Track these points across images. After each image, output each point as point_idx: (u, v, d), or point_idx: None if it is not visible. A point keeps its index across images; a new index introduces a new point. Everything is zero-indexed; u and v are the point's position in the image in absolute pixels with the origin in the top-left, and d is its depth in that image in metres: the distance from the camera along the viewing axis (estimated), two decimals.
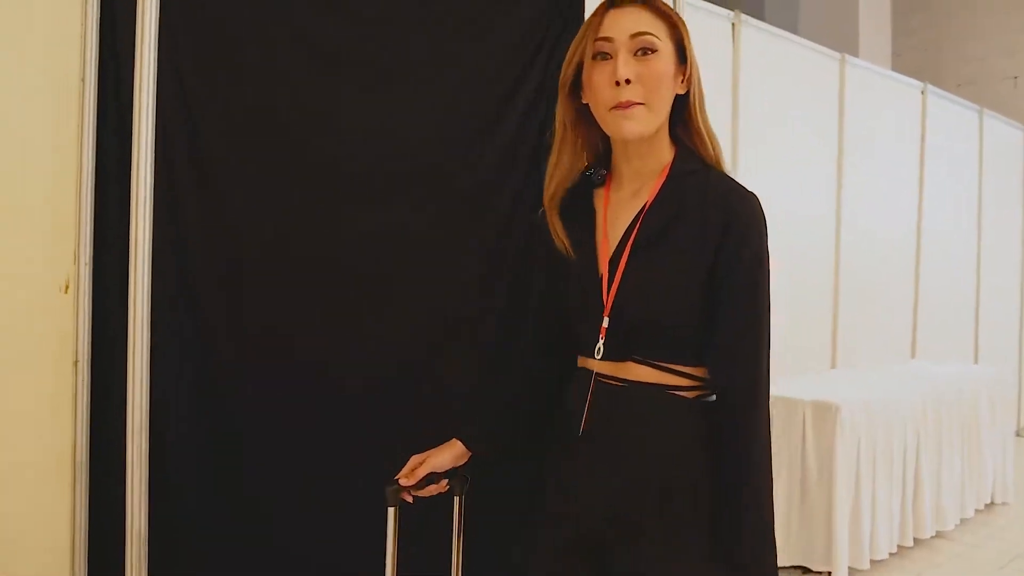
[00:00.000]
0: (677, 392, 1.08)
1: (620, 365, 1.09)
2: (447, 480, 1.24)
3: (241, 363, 1.62)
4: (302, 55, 1.66)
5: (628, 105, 1.05)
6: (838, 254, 3.56)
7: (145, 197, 1.46)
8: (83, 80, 1.58)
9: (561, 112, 1.14)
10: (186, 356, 1.58)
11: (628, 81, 1.04)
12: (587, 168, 1.17)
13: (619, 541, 1.08)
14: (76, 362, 1.54)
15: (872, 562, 2.79)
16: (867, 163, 3.72)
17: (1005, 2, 5.96)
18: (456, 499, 1.27)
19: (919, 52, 6.17)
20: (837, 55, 3.58)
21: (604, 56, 1.07)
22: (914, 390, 3.11)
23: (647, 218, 1.09)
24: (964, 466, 3.34)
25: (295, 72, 1.65)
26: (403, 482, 1.20)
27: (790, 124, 3.35)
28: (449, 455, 1.22)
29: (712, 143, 1.12)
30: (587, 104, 1.11)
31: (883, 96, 3.86)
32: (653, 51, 1.06)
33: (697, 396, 1.09)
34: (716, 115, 3.37)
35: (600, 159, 1.17)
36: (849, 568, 2.67)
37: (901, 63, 5.86)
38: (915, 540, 3.03)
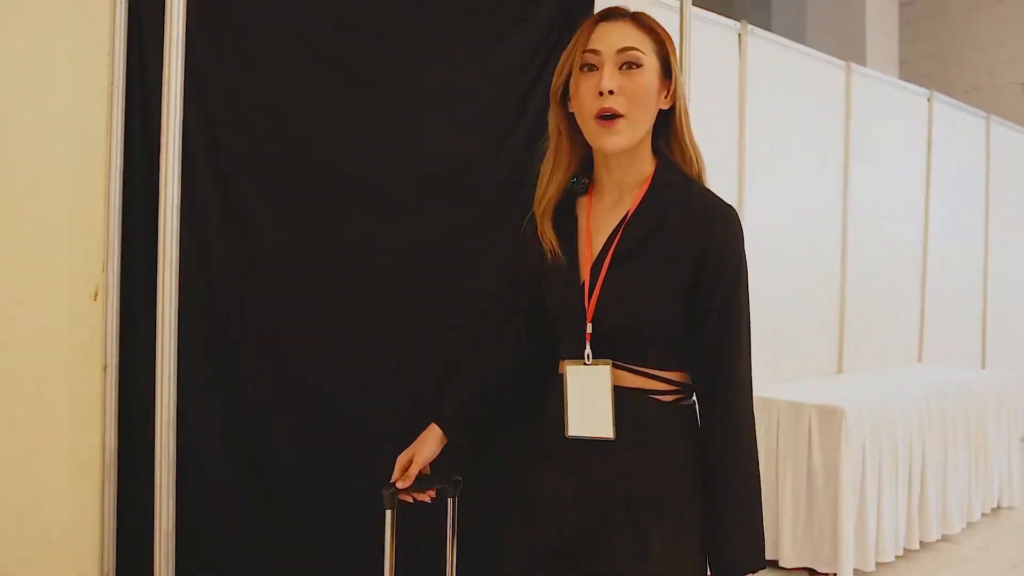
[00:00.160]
0: (657, 397, 1.12)
1: None
2: (438, 487, 1.27)
3: (263, 367, 1.68)
4: (322, 70, 1.72)
5: (611, 116, 1.08)
6: (844, 260, 3.59)
7: (172, 208, 1.52)
8: (110, 97, 1.64)
9: (554, 120, 1.18)
10: (209, 360, 1.64)
11: (612, 92, 1.08)
12: (571, 177, 1.20)
13: (595, 544, 1.11)
14: (105, 366, 1.60)
15: (878, 564, 2.82)
16: (874, 170, 3.75)
17: (1013, 10, 5.97)
18: (449, 501, 1.30)
19: (927, 59, 6.19)
20: (843, 64, 3.61)
21: (591, 68, 1.11)
22: (919, 394, 3.14)
23: (628, 229, 1.12)
24: (970, 470, 3.36)
25: (316, 88, 1.71)
26: (400, 484, 1.23)
27: (797, 132, 3.38)
28: (433, 442, 1.24)
29: (695, 157, 1.16)
30: (574, 113, 1.15)
31: (889, 104, 3.89)
32: (638, 66, 1.10)
33: (676, 400, 1.13)
34: (723, 124, 3.41)
35: (583, 168, 1.20)
36: (855, 570, 2.71)
37: (909, 70, 5.88)
38: (921, 543, 3.06)
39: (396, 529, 1.26)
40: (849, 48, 5.17)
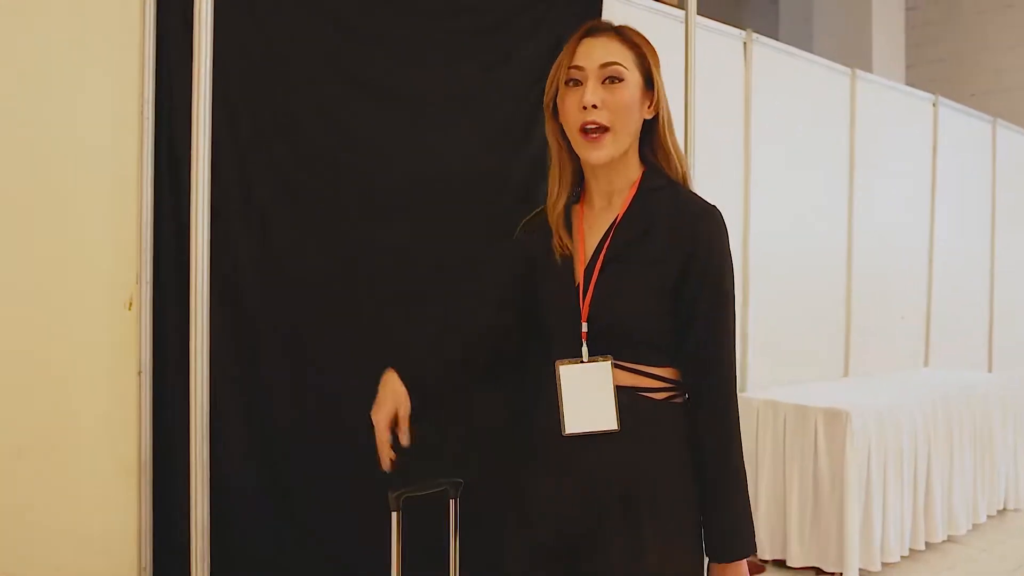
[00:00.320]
0: (648, 394, 1.17)
1: None
2: (439, 488, 1.31)
3: (284, 368, 1.76)
4: (343, 84, 1.81)
5: (595, 129, 1.14)
6: (850, 265, 3.63)
7: (202, 224, 1.59)
8: (141, 114, 1.72)
9: (550, 132, 1.23)
10: (235, 361, 1.72)
11: (595, 106, 1.14)
12: (579, 183, 1.26)
13: (593, 544, 1.15)
14: (139, 372, 1.68)
15: (884, 564, 2.87)
16: (879, 174, 3.78)
17: (1022, 14, 5.99)
18: (451, 502, 1.36)
19: (934, 63, 6.21)
20: (848, 70, 3.66)
21: (576, 82, 1.17)
22: (925, 397, 3.18)
23: (617, 232, 1.18)
24: (976, 472, 3.40)
25: (337, 101, 1.80)
26: (402, 442, 1.22)
27: (802, 138, 3.43)
28: (396, 384, 1.24)
29: (679, 162, 1.22)
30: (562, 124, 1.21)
31: (894, 109, 3.93)
32: (620, 80, 1.15)
33: (668, 397, 1.18)
34: (729, 131, 3.45)
35: (576, 176, 1.26)
36: (860, 570, 2.76)
37: (915, 74, 5.91)
38: (927, 544, 3.10)
39: (398, 532, 1.31)
40: (855, 53, 5.22)
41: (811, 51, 4.83)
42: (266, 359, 1.76)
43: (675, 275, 1.15)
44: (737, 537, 1.15)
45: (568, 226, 1.23)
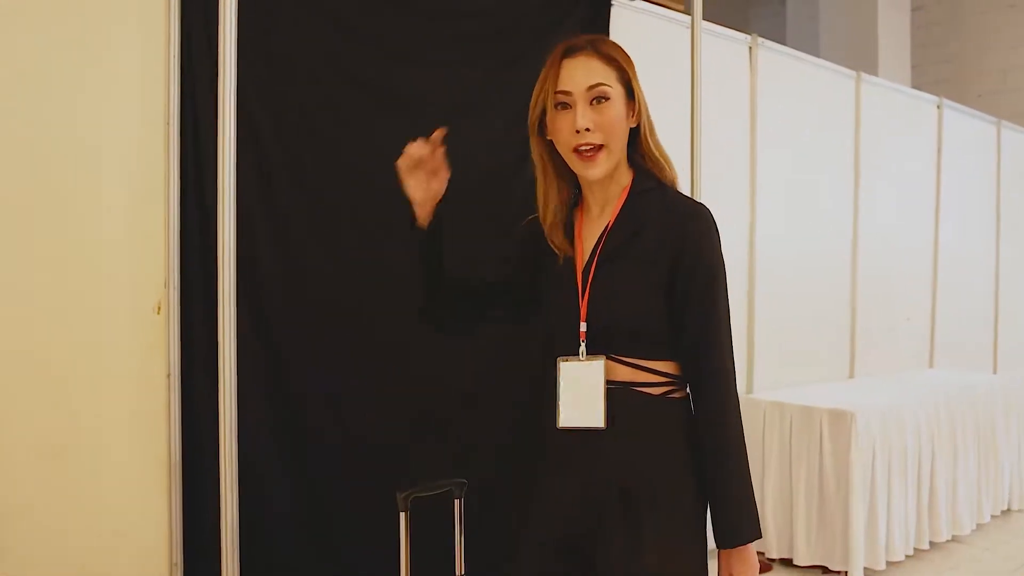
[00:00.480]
0: (646, 390, 1.21)
1: None
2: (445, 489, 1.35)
3: (311, 373, 1.82)
4: (356, 91, 1.86)
5: (590, 149, 1.19)
6: (855, 267, 3.66)
7: (229, 233, 1.65)
8: (167, 123, 1.78)
9: (536, 150, 1.27)
10: (259, 359, 1.78)
11: (588, 129, 1.18)
12: (568, 194, 1.31)
13: (595, 541, 1.19)
14: (168, 374, 1.74)
15: (888, 563, 2.91)
16: (884, 176, 3.81)
17: (1023, 13, 6.01)
18: (456, 502, 1.40)
19: (939, 65, 6.23)
20: (852, 73, 3.69)
21: (564, 106, 1.20)
22: (929, 398, 3.22)
23: (611, 234, 1.23)
24: (980, 472, 3.43)
25: (352, 108, 1.86)
26: (436, 135, 1.28)
27: (808, 142, 3.47)
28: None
29: (666, 164, 1.28)
30: (552, 141, 1.26)
31: (899, 111, 3.95)
32: (607, 99, 1.20)
33: (666, 392, 1.22)
34: (734, 135, 3.49)
35: (565, 189, 1.31)
36: (865, 569, 2.80)
37: (921, 75, 5.93)
38: (931, 543, 3.13)
39: (406, 531, 1.36)
40: (861, 54, 5.25)
41: (818, 52, 4.87)
42: (287, 358, 1.82)
43: (666, 273, 1.20)
44: (743, 521, 1.17)
45: (569, 229, 1.29)
